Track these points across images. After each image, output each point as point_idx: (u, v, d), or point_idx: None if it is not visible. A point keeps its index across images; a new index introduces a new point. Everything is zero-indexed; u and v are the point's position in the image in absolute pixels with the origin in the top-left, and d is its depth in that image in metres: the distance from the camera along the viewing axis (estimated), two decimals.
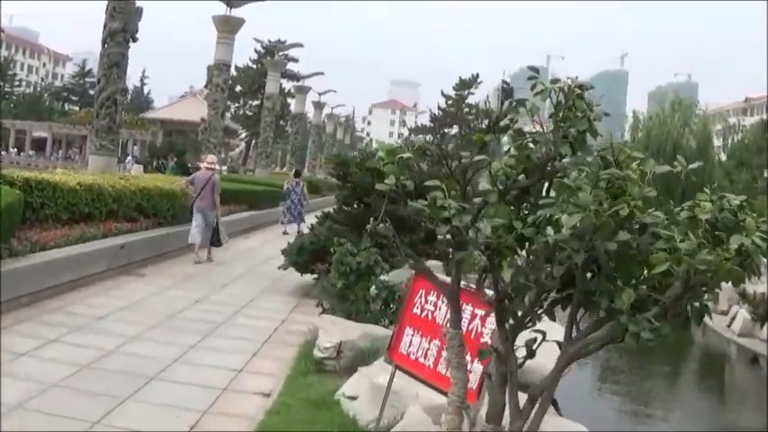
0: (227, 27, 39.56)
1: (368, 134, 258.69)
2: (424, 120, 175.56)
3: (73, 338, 12.65)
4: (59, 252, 16.31)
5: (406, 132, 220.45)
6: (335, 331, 12.89)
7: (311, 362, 12.27)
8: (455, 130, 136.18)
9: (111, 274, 18.64)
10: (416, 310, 9.02)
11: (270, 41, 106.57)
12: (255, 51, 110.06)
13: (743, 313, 29.69)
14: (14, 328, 12.80)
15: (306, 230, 23.09)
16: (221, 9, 40.29)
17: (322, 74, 76.25)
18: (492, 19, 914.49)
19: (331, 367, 12.22)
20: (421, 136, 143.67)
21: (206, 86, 53.87)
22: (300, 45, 61.94)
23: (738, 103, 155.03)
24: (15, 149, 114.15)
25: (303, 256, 19.11)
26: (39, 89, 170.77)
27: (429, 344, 8.63)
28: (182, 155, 56.88)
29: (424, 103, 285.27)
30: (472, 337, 8.04)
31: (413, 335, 8.90)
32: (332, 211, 21.01)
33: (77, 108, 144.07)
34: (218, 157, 41.24)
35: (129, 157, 59.42)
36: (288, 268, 19.65)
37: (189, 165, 56.12)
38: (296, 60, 63.50)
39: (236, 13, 40.20)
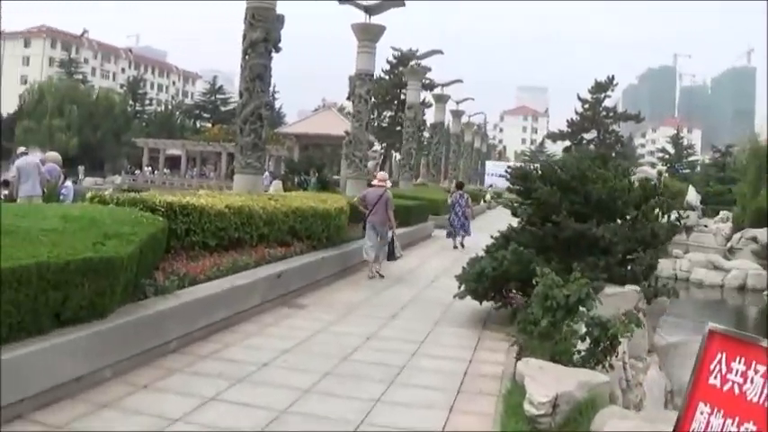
0: (368, 35, 37.67)
1: (500, 141, 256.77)
2: (555, 125, 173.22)
3: (235, 395, 10.53)
4: (210, 286, 14.28)
5: (539, 139, 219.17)
6: (547, 380, 10.59)
7: (523, 419, 9.97)
8: (593, 134, 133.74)
9: (267, 306, 16.62)
10: (714, 381, 6.58)
11: (401, 51, 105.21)
12: (387, 62, 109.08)
13: None
14: (164, 383, 10.78)
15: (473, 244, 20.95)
16: (345, 18, 38.88)
17: (461, 81, 73.81)
18: (614, 19, 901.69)
19: (545, 425, 9.92)
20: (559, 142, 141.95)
21: (348, 98, 51.97)
22: (440, 52, 59.20)
23: None
24: (149, 168, 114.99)
25: (483, 282, 16.81)
26: (170, 107, 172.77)
27: (738, 427, 6.21)
28: (321, 169, 55.45)
29: (553, 107, 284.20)
30: (760, 401, 5.78)
31: (710, 414, 6.47)
32: (512, 230, 18.70)
33: (209, 125, 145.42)
34: (365, 170, 39.58)
35: (266, 173, 57.93)
36: (465, 297, 17.44)
37: (327, 179, 54.83)
38: (429, 69, 61.36)
39: (375, 20, 38.44)
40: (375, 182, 25.39)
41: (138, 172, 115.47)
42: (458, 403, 11.07)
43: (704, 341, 6.90)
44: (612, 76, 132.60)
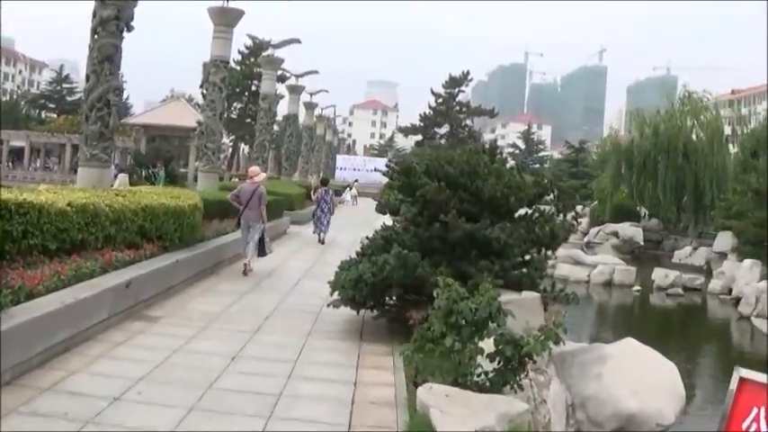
0: (225, 19, 35.60)
1: (349, 135, 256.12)
2: (405, 120, 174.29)
3: None
4: (51, 300, 12.15)
5: (388, 133, 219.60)
6: (459, 412, 9.11)
7: None
8: (446, 128, 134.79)
9: (115, 321, 14.45)
10: None
11: (255, 40, 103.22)
12: (239, 53, 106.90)
13: None
14: None
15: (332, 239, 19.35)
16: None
17: (316, 72, 71.41)
18: (466, 17, 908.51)
19: None
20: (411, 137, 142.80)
21: (201, 86, 49.46)
22: (298, 41, 56.75)
23: (726, 95, 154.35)
24: None
25: (361, 290, 15.06)
26: (15, 97, 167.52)
27: None
28: (169, 162, 53.74)
29: (402, 103, 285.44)
30: None
31: None
32: (393, 231, 16.83)
33: (55, 115, 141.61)
34: (218, 162, 37.78)
35: (113, 166, 55.46)
36: (340, 306, 15.64)
37: (175, 172, 52.97)
38: (283, 60, 58.93)
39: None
40: (248, 179, 25.13)
41: None
42: None
43: (733, 392, 5.26)
44: (467, 71, 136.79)
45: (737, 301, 38.10)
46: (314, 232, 36.63)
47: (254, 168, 26.73)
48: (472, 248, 15.52)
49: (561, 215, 17.73)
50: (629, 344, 15.90)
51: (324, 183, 39.68)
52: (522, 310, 13.39)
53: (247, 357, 13.17)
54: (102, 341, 13.17)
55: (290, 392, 11.19)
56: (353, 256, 16.92)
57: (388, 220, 36.55)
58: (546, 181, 17.73)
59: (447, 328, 10.51)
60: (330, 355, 13.84)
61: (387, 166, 18.43)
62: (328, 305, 15.98)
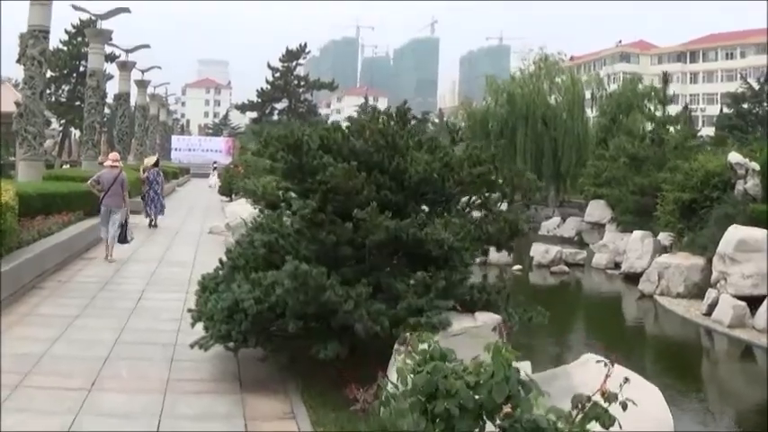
0: None
1: (183, 115, 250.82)
2: (238, 98, 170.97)
3: None
4: None
5: (222, 111, 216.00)
6: None
7: None
8: (284, 103, 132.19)
9: None
10: None
11: (80, 14, 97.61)
12: (66, 32, 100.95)
13: (729, 299, 24.72)
14: None
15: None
16: None
17: (148, 47, 66.53)
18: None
19: None
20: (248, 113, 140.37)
21: (18, 61, 43.87)
22: (127, 10, 51.62)
23: (567, 62, 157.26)
24: None
25: (240, 323, 10.53)
26: None
27: None
28: None
29: (235, 81, 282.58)
30: None
31: None
32: (279, 235, 11.74)
33: None
34: (41, 149, 33.16)
35: None
36: (210, 347, 11.03)
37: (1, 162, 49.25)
38: (112, 32, 53.82)
39: None
40: (108, 162, 25.51)
41: None
42: None
43: None
44: (305, 44, 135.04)
45: (627, 276, 35.19)
46: (146, 216, 35.77)
47: (115, 154, 27.33)
48: (399, 256, 11.00)
49: (507, 202, 13.33)
50: (593, 364, 11.81)
51: (156, 164, 39.32)
52: (479, 342, 8.97)
53: None
54: None
55: None
56: (204, 253, 12.48)
57: (240, 205, 32.15)
58: (486, 156, 12.98)
59: (428, 420, 5.97)
60: (204, 426, 9.34)
61: (262, 142, 13.38)
62: (192, 346, 11.42)
